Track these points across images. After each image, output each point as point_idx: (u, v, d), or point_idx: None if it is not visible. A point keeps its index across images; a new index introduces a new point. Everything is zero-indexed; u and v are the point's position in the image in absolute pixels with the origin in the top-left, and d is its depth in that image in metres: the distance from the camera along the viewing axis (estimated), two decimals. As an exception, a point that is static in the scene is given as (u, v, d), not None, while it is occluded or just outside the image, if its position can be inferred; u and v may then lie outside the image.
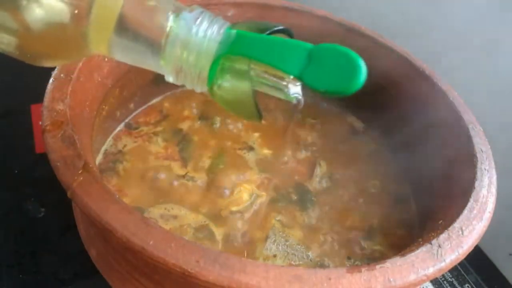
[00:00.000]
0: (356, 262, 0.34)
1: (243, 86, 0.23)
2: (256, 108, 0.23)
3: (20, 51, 0.22)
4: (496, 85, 0.52)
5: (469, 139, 0.33)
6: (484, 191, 0.30)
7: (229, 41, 0.22)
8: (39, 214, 0.40)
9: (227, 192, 0.37)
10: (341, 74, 0.21)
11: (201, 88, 0.23)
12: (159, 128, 0.42)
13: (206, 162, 0.39)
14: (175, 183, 0.37)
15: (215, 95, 0.23)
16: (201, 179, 0.38)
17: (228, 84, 0.23)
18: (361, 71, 0.21)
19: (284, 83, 0.23)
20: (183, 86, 0.24)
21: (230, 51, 0.22)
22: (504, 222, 0.42)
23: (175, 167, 0.39)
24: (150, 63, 0.23)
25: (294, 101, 0.24)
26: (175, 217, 0.35)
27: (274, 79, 0.23)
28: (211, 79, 0.23)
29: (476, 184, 0.30)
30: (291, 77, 0.22)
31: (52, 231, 0.39)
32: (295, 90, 0.23)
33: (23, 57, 0.23)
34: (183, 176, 0.38)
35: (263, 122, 0.44)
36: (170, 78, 0.23)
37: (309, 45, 0.22)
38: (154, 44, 0.22)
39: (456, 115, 0.35)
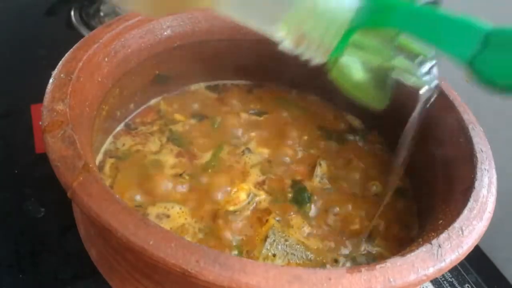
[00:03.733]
0: (356, 262, 0.34)
1: (374, 65, 0.19)
2: (387, 91, 0.20)
3: None
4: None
5: (469, 139, 0.33)
6: (484, 191, 0.30)
7: (369, 9, 0.18)
8: (39, 214, 0.40)
9: (224, 191, 0.37)
10: None
11: (321, 59, 0.20)
12: (156, 128, 0.42)
13: (203, 161, 0.39)
14: (173, 182, 0.37)
15: (335, 71, 0.20)
16: (198, 178, 0.38)
17: (356, 62, 0.19)
18: None
19: (417, 63, 0.19)
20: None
21: (371, 22, 0.18)
22: (504, 222, 0.42)
23: (173, 166, 0.39)
24: (264, 21, 0.19)
25: (427, 88, 0.19)
26: (173, 216, 0.35)
27: (410, 61, 0.19)
28: (337, 51, 0.19)
29: (476, 184, 0.30)
30: (426, 56, 0.18)
31: (52, 231, 0.39)
32: (427, 73, 0.19)
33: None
34: (180, 175, 0.38)
35: (262, 119, 0.44)
36: (286, 43, 0.20)
37: (485, 27, 0.18)
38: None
39: (456, 115, 0.35)
